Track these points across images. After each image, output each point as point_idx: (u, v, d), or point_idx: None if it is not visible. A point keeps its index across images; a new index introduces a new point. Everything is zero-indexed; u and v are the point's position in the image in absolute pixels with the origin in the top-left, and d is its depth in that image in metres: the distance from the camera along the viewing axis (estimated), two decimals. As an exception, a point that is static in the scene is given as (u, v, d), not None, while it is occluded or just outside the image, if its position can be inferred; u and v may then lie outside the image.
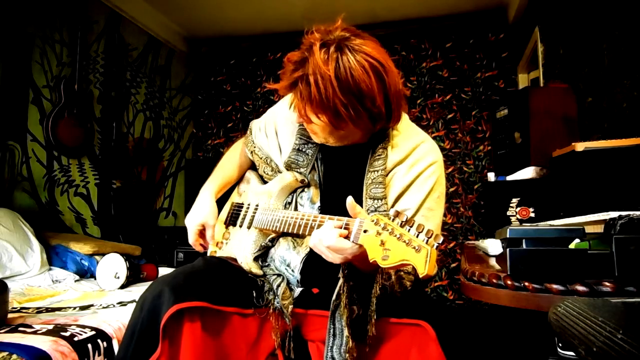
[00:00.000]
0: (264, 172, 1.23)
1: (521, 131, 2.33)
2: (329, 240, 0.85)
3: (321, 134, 1.04)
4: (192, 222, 1.19)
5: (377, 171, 1.05)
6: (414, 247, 0.72)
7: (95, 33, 3.16)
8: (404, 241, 0.73)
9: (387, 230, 0.77)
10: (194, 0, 3.54)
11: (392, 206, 1.05)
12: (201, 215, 1.19)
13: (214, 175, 1.30)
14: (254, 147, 1.27)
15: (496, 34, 3.75)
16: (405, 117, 1.15)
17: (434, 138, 3.74)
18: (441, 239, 0.73)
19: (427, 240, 0.72)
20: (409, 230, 0.75)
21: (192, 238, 1.20)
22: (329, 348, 0.96)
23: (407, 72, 3.92)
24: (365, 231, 0.81)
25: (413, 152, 1.08)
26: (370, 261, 0.78)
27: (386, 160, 1.06)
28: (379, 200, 1.04)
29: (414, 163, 1.07)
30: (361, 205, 1.04)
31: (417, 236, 0.73)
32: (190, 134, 4.39)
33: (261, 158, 1.24)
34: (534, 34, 3.02)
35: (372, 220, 0.80)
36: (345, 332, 0.92)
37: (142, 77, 3.69)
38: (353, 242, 0.83)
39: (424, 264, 0.70)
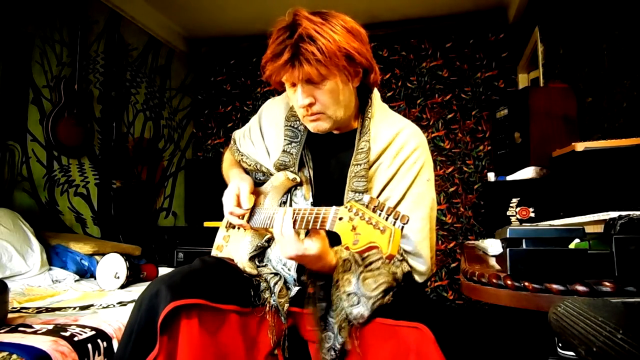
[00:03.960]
0: (256, 178, 1.23)
1: (521, 131, 2.33)
2: (276, 229, 0.92)
3: (330, 110, 1.02)
4: (227, 191, 1.15)
5: (360, 165, 1.06)
6: (380, 229, 0.73)
7: (95, 33, 3.16)
8: (372, 224, 0.75)
9: (359, 215, 0.78)
10: (194, 0, 3.54)
11: (379, 196, 1.06)
12: (235, 184, 1.15)
13: (229, 167, 1.29)
14: (242, 155, 1.26)
15: (496, 34, 3.75)
16: (385, 107, 1.16)
17: (434, 138, 3.79)
18: (407, 219, 0.74)
19: (395, 222, 0.73)
20: (379, 214, 0.76)
21: (230, 202, 1.12)
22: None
23: (407, 72, 3.93)
24: (340, 219, 0.82)
25: (395, 140, 1.08)
26: (343, 247, 0.79)
27: (369, 153, 1.06)
28: (360, 194, 1.04)
29: (397, 152, 1.07)
30: (343, 198, 1.05)
31: (387, 219, 0.74)
32: (190, 134, 4.39)
33: (250, 165, 1.23)
34: (534, 34, 3.02)
35: (346, 207, 0.81)
36: (319, 334, 0.95)
37: (142, 77, 3.69)
38: (329, 229, 0.84)
39: (387, 244, 0.71)
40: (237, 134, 1.33)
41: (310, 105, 1.01)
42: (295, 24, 0.95)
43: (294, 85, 1.01)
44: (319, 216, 0.87)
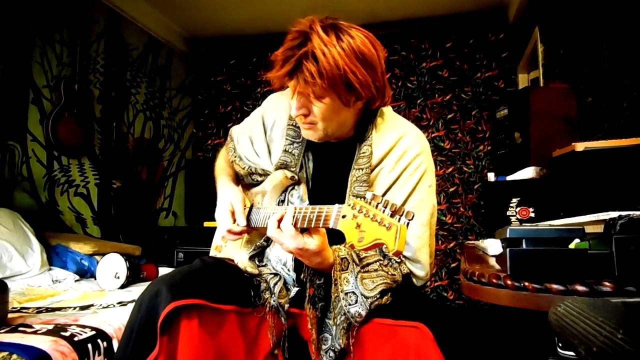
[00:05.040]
0: (252, 179, 1.22)
1: (521, 131, 2.33)
2: (269, 230, 0.92)
3: (321, 125, 1.02)
4: (220, 208, 1.13)
5: (362, 169, 1.05)
6: (385, 226, 0.73)
7: (95, 33, 3.16)
8: (377, 221, 0.75)
9: (362, 212, 0.78)
10: (194, 0, 3.54)
11: None
12: (226, 199, 1.13)
13: (220, 171, 1.28)
14: (235, 157, 1.24)
15: (496, 34, 3.75)
16: (389, 109, 1.16)
17: (434, 138, 3.80)
18: (412, 215, 0.74)
19: (400, 219, 0.73)
20: (384, 210, 0.76)
21: (227, 220, 1.10)
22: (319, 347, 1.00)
23: (407, 72, 3.93)
24: (343, 216, 0.82)
25: (397, 145, 1.08)
26: (348, 245, 0.79)
27: (371, 157, 1.06)
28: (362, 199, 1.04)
29: (400, 156, 1.07)
30: (344, 202, 1.04)
31: (391, 216, 0.74)
32: (190, 134, 4.39)
33: (243, 168, 1.21)
34: (534, 34, 3.02)
35: (349, 205, 0.81)
36: (313, 334, 0.95)
37: (142, 77, 3.69)
38: (332, 228, 0.84)
39: (393, 240, 0.71)
40: (236, 131, 1.30)
41: (305, 115, 1.02)
42: (306, 36, 0.94)
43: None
44: (322, 214, 0.86)
